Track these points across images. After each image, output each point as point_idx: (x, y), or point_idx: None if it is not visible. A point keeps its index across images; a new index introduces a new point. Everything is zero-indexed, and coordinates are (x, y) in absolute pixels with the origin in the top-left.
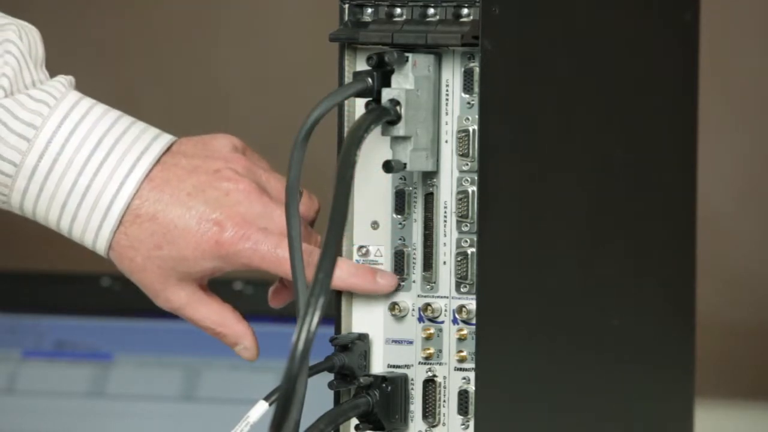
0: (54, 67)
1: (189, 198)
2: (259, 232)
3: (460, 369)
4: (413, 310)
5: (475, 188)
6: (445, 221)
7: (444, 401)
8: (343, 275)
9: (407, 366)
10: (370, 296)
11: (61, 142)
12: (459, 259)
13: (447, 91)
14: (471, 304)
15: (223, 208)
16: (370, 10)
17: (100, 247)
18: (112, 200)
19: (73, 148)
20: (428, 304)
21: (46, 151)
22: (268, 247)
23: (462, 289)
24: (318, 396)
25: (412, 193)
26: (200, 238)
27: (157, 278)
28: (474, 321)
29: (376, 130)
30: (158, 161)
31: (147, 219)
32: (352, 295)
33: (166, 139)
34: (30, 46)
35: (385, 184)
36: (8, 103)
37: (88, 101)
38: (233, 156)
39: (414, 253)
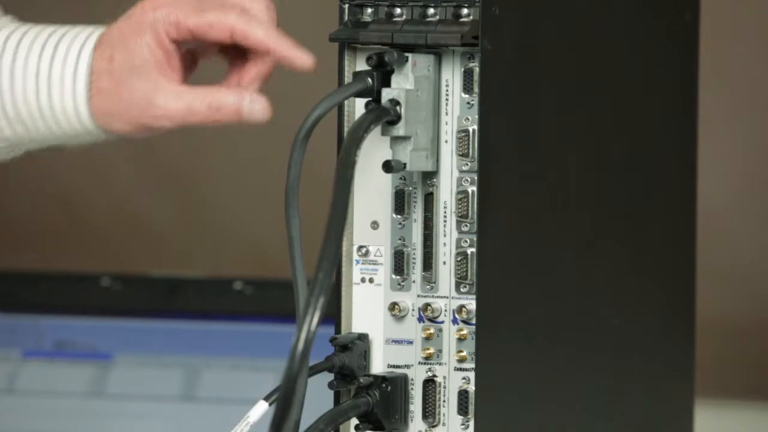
0: None
1: (125, 13)
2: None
3: (460, 369)
4: (413, 310)
5: (475, 188)
6: (445, 221)
7: (444, 401)
8: (269, 31)
9: (407, 366)
10: (370, 296)
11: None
12: (459, 259)
13: (447, 91)
14: (471, 304)
15: None
16: (370, 10)
17: (81, 100)
18: (77, 57)
19: (26, 45)
20: (428, 304)
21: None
22: (191, 2)
23: (462, 289)
24: (318, 396)
25: (412, 193)
26: (130, 23)
27: (133, 88)
28: (474, 321)
29: (376, 130)
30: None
31: (102, 45)
32: (352, 295)
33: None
34: None
35: (385, 184)
36: None
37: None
38: None
39: (414, 253)
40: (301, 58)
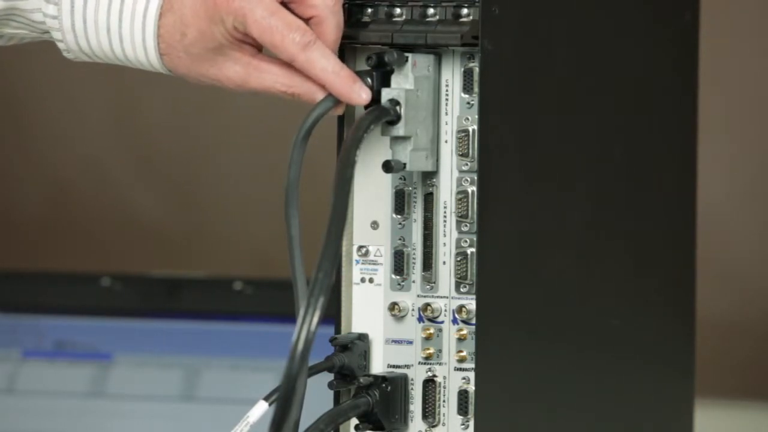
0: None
1: None
2: None
3: (460, 369)
4: (413, 310)
5: (475, 188)
6: (445, 221)
7: (444, 401)
8: (328, 67)
9: (407, 366)
10: (370, 296)
11: None
12: (459, 259)
13: (447, 91)
14: (471, 304)
15: None
16: (370, 10)
17: (154, 59)
18: (145, 9)
19: None
20: (428, 304)
21: None
22: (262, 12)
23: (462, 289)
24: (318, 396)
25: (411, 193)
26: (201, 5)
27: (207, 64)
28: (474, 321)
29: (376, 130)
30: None
31: (168, 11)
32: (351, 295)
33: None
34: None
35: (385, 184)
36: None
37: None
38: None
39: (414, 253)
40: (358, 97)
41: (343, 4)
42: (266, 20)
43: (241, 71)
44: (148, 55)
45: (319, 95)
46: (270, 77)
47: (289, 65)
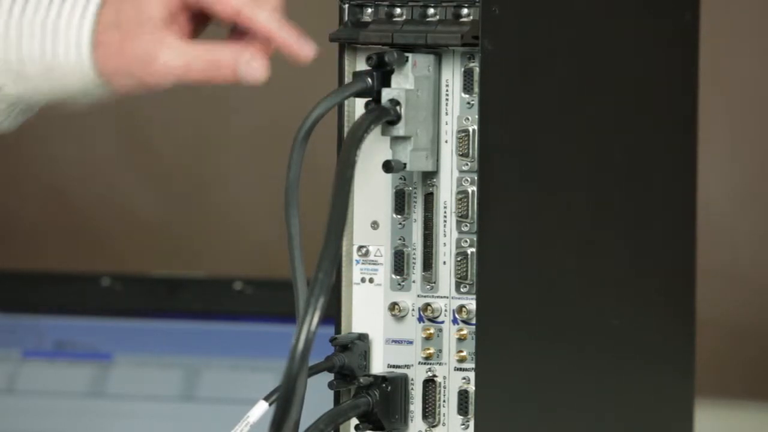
0: None
1: None
2: None
3: (460, 369)
4: (413, 310)
5: (475, 188)
6: (445, 221)
7: (444, 401)
8: (273, 19)
9: (407, 366)
10: (370, 296)
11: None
12: (459, 259)
13: (447, 91)
14: (471, 304)
15: None
16: (370, 10)
17: (84, 51)
18: (84, 6)
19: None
20: (428, 304)
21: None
22: None
23: (462, 289)
24: (318, 396)
25: (412, 193)
26: None
27: (138, 41)
28: (474, 321)
29: (376, 130)
30: None
31: None
32: (352, 295)
33: None
34: None
35: (385, 184)
36: None
37: None
38: None
39: (414, 253)
40: (303, 49)
41: (343, 4)
42: None
43: (173, 46)
44: (80, 41)
45: (244, 54)
46: (190, 50)
47: (209, 42)
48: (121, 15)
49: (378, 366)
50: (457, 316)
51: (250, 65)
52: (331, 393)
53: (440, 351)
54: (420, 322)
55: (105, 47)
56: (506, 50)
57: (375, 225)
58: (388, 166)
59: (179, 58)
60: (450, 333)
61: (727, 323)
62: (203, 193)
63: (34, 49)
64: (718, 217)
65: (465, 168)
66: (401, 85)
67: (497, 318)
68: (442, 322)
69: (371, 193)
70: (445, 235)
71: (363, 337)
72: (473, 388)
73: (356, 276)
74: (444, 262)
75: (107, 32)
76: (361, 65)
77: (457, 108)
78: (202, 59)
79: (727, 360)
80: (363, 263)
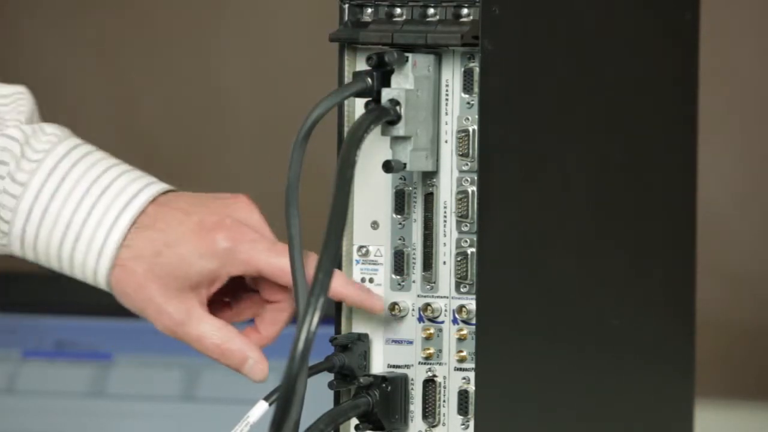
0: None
1: (189, 207)
2: (257, 234)
3: (460, 369)
4: (413, 310)
5: (475, 188)
6: (445, 221)
7: (444, 401)
8: (336, 285)
9: (407, 366)
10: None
11: (52, 189)
12: (459, 259)
13: (447, 91)
14: (471, 304)
15: (223, 213)
16: (370, 10)
17: (103, 265)
18: (104, 240)
19: (63, 195)
20: (428, 304)
21: (38, 197)
22: (265, 247)
23: (462, 289)
24: (318, 396)
25: (412, 193)
26: (198, 236)
27: (157, 290)
28: (474, 321)
29: (376, 130)
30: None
31: (146, 227)
32: None
33: (159, 186)
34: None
35: (385, 184)
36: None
37: (79, 151)
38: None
39: (414, 253)
40: (376, 304)
41: (344, 4)
42: (272, 249)
43: (184, 311)
44: (101, 256)
45: (252, 353)
46: (207, 327)
47: (226, 323)
48: (161, 259)
49: (378, 366)
50: (457, 316)
51: (253, 367)
52: (331, 393)
53: (440, 351)
54: (420, 322)
55: (127, 274)
56: (506, 50)
57: (375, 225)
58: (388, 166)
59: (197, 330)
60: (450, 333)
61: (727, 323)
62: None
63: (54, 240)
64: (718, 217)
65: (465, 168)
66: (401, 85)
67: (497, 318)
68: (442, 322)
69: (371, 193)
70: (445, 235)
71: (363, 337)
72: (473, 388)
73: (356, 276)
74: (444, 262)
75: (136, 262)
76: (361, 65)
77: (457, 108)
78: (216, 345)
79: (727, 360)
80: (363, 263)
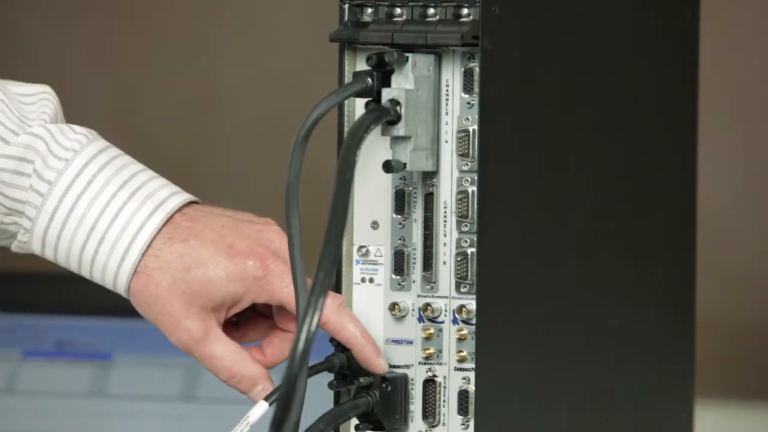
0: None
1: (222, 228)
2: (286, 267)
3: (460, 369)
4: (413, 310)
5: (475, 188)
6: (445, 221)
7: (444, 401)
8: (357, 332)
9: (407, 366)
10: (370, 296)
11: (79, 190)
12: (459, 259)
13: (447, 91)
14: (471, 304)
15: (256, 240)
16: (370, 10)
17: (122, 282)
18: (129, 245)
19: (90, 196)
20: (428, 304)
21: (65, 197)
22: (291, 281)
23: (462, 289)
24: (318, 396)
25: (412, 193)
26: (229, 259)
27: (179, 305)
28: (474, 321)
29: (376, 130)
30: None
31: (179, 241)
32: (352, 295)
33: (185, 195)
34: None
35: (385, 184)
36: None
37: (108, 153)
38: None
39: (414, 253)
40: (379, 365)
41: (344, 4)
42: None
43: (202, 329)
44: (124, 261)
45: (263, 381)
46: (222, 348)
47: (241, 347)
48: (190, 273)
49: None
50: (457, 316)
51: (260, 392)
52: (331, 393)
53: (440, 351)
54: (420, 322)
55: (150, 284)
56: (506, 50)
57: (375, 225)
58: (388, 166)
59: (212, 350)
60: (450, 333)
61: (728, 323)
62: (203, 193)
63: (76, 242)
64: (718, 217)
65: (465, 168)
66: (401, 85)
67: (497, 318)
68: (442, 322)
69: (371, 193)
70: (445, 235)
71: None
72: (473, 388)
73: (356, 276)
74: (444, 262)
75: (162, 272)
76: (361, 65)
77: (457, 108)
78: (227, 368)
79: (727, 360)
80: (363, 263)
